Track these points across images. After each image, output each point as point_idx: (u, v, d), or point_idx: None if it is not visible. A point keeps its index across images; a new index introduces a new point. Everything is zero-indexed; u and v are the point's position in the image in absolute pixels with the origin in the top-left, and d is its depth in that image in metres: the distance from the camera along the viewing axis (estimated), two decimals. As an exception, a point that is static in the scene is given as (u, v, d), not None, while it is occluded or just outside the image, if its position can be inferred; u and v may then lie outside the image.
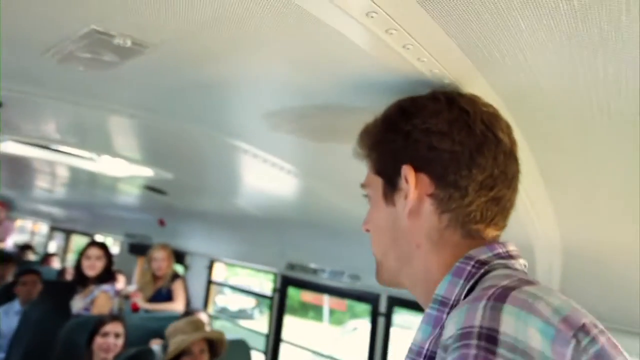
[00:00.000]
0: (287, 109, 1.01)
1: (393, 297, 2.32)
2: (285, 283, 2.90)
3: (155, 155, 1.98)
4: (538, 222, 1.37)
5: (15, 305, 3.26)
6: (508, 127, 0.63)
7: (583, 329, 0.44)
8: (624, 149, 0.92)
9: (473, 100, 0.64)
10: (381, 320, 2.34)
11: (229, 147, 1.47)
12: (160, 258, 3.30)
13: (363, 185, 0.70)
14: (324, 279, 2.60)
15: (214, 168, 1.98)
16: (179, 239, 3.76)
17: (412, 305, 2.27)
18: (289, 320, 2.98)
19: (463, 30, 0.60)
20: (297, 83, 0.86)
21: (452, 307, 0.53)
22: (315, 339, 7.94)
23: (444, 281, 0.55)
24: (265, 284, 9.87)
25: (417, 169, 0.60)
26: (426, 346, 0.52)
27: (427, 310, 0.55)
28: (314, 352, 3.03)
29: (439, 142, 0.59)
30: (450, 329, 0.45)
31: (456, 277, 0.54)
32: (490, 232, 0.60)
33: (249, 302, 11.26)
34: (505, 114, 0.88)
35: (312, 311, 11.90)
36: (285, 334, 2.92)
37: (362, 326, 6.75)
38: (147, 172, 2.29)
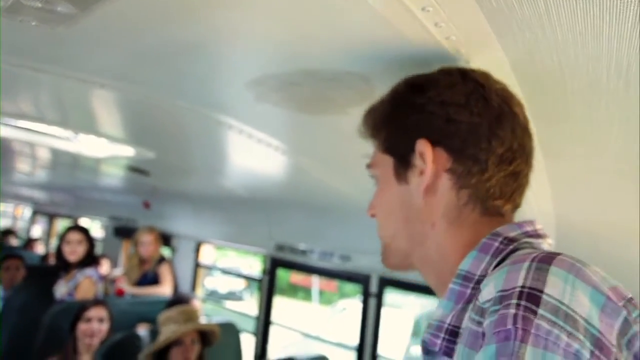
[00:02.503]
0: (274, 76, 0.92)
1: (384, 278, 2.29)
2: (274, 265, 2.85)
3: (135, 133, 1.88)
4: (533, 196, 1.34)
5: (-2, 291, 3.18)
6: (521, 104, 0.62)
7: (631, 302, 0.41)
8: (628, 124, 0.87)
9: (485, 74, 0.62)
10: (372, 301, 2.32)
11: (212, 123, 1.38)
12: (147, 242, 3.23)
13: (369, 166, 0.67)
14: (313, 260, 2.56)
15: (197, 146, 1.89)
16: (165, 221, 3.67)
17: (403, 286, 2.24)
18: (278, 301, 2.95)
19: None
20: (286, 44, 0.78)
21: (478, 282, 0.50)
22: (305, 320, 8.02)
23: (468, 257, 0.52)
24: (255, 265, 9.88)
25: (434, 143, 0.57)
26: (448, 320, 0.50)
27: (450, 286, 0.52)
28: (304, 334, 3.02)
29: (457, 114, 0.57)
30: (489, 291, 0.42)
31: (482, 252, 0.52)
32: (509, 209, 0.58)
33: (238, 284, 11.30)
34: (513, 81, 0.83)
35: (301, 292, 12.01)
36: (275, 315, 2.89)
37: (351, 306, 6.81)
38: (128, 151, 2.18)
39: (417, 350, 5.45)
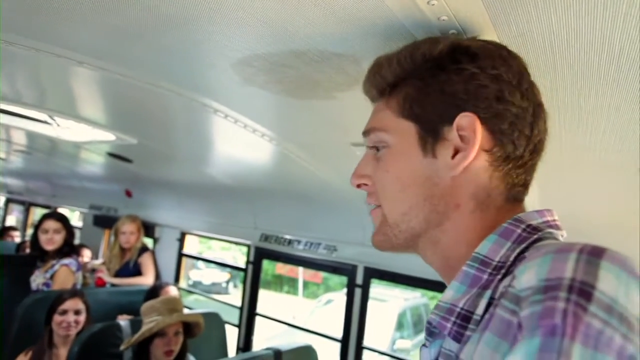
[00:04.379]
0: (262, 57, 0.89)
1: (370, 269, 2.29)
2: (259, 255, 2.83)
3: (116, 116, 1.81)
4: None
5: (-31, 281, 3.05)
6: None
7: None
8: (618, 114, 0.87)
9: (520, 58, 0.57)
10: (358, 292, 2.32)
11: (197, 106, 1.34)
12: (129, 231, 3.15)
13: (371, 130, 0.58)
14: (299, 250, 2.55)
15: (181, 132, 1.84)
16: (147, 210, 3.60)
17: (390, 277, 2.25)
18: (263, 294, 2.92)
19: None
20: (274, 21, 0.74)
21: (497, 268, 0.47)
22: (290, 311, 8.03)
23: (487, 240, 0.49)
24: (240, 258, 9.83)
25: (480, 120, 0.52)
26: (460, 304, 0.47)
27: (464, 269, 0.49)
28: (289, 325, 3.00)
29: (511, 94, 0.52)
30: (529, 278, 0.38)
31: (503, 238, 0.49)
32: (524, 198, 0.56)
33: (222, 276, 11.23)
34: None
35: (286, 284, 12.02)
36: (259, 307, 2.87)
37: (337, 298, 6.84)
38: (109, 136, 2.11)
39: (402, 343, 5.51)
